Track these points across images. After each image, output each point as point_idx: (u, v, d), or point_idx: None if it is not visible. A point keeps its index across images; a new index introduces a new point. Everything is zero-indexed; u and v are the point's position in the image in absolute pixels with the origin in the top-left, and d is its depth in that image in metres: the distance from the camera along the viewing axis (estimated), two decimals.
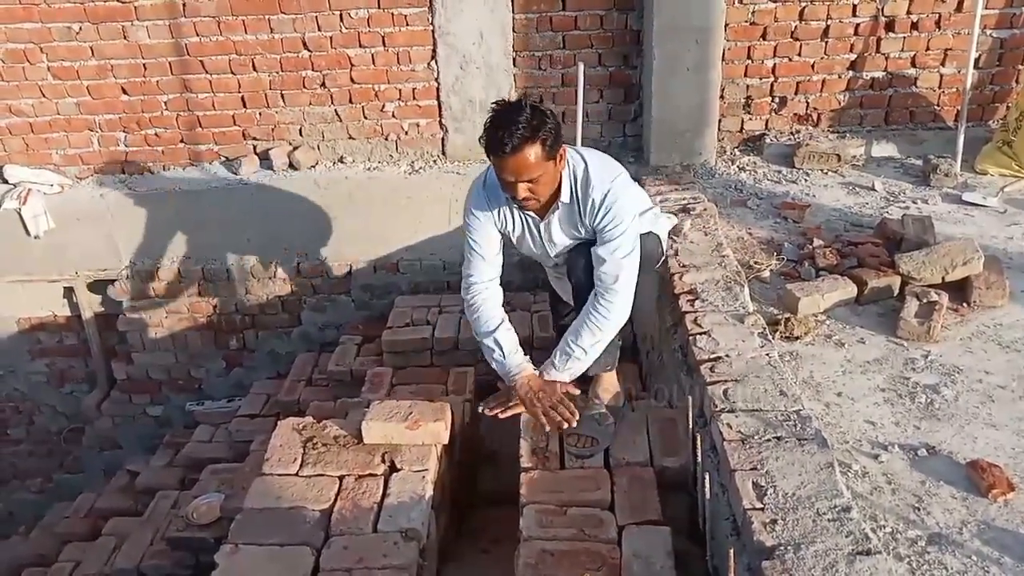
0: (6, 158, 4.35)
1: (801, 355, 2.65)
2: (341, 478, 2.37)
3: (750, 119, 4.30)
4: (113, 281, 4.49)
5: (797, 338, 2.73)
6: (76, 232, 4.34)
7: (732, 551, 1.75)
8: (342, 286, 4.47)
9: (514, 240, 2.56)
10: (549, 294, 3.05)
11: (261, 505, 2.29)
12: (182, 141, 4.34)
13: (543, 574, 2.00)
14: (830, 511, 1.87)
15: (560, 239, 2.51)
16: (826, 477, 1.97)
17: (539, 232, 2.50)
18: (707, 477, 2.19)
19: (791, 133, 4.31)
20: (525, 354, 2.49)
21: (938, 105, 4.25)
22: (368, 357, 4.15)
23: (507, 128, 2.11)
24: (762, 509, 1.89)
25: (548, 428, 2.35)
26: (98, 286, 4.61)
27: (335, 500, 2.29)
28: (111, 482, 4.59)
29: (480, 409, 2.51)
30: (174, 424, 4.80)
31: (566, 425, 2.34)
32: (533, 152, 2.14)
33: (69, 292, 4.66)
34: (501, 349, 2.44)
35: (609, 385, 2.62)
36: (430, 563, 2.29)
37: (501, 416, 2.45)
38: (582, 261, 2.45)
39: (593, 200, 2.31)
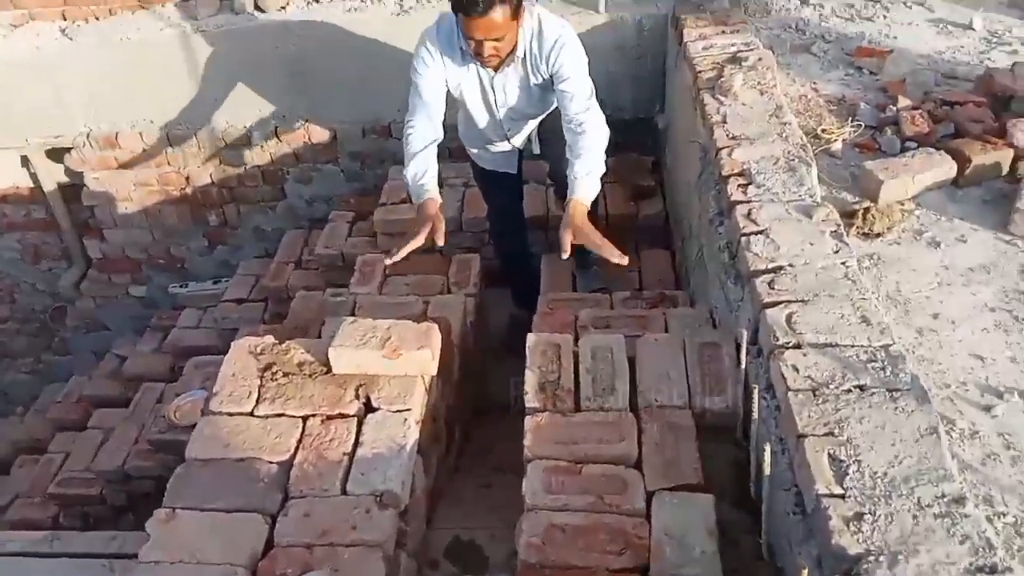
0: None
1: (883, 258, 2.09)
2: (305, 419, 1.93)
3: None
4: (70, 149, 3.94)
5: (878, 235, 2.15)
6: (18, 91, 3.73)
7: (806, 572, 1.30)
8: (328, 153, 3.89)
9: (462, 95, 2.50)
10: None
11: (206, 455, 1.87)
12: None
13: (550, 559, 1.59)
14: (936, 502, 1.39)
15: (512, 93, 2.48)
16: (929, 449, 1.48)
17: (491, 87, 2.46)
18: (763, 429, 1.72)
19: None
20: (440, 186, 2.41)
21: None
22: (361, 238, 3.67)
23: None
24: (843, 496, 1.42)
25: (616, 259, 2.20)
26: (58, 154, 4.07)
27: (296, 450, 1.86)
28: (100, 366, 4.35)
29: (386, 263, 2.40)
30: (160, 305, 4.43)
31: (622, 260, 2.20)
32: (501, 12, 2.15)
33: (27, 161, 4.13)
34: (410, 178, 2.37)
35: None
36: (415, 523, 1.89)
37: (397, 258, 2.27)
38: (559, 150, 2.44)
39: (546, 46, 2.33)
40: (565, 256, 2.17)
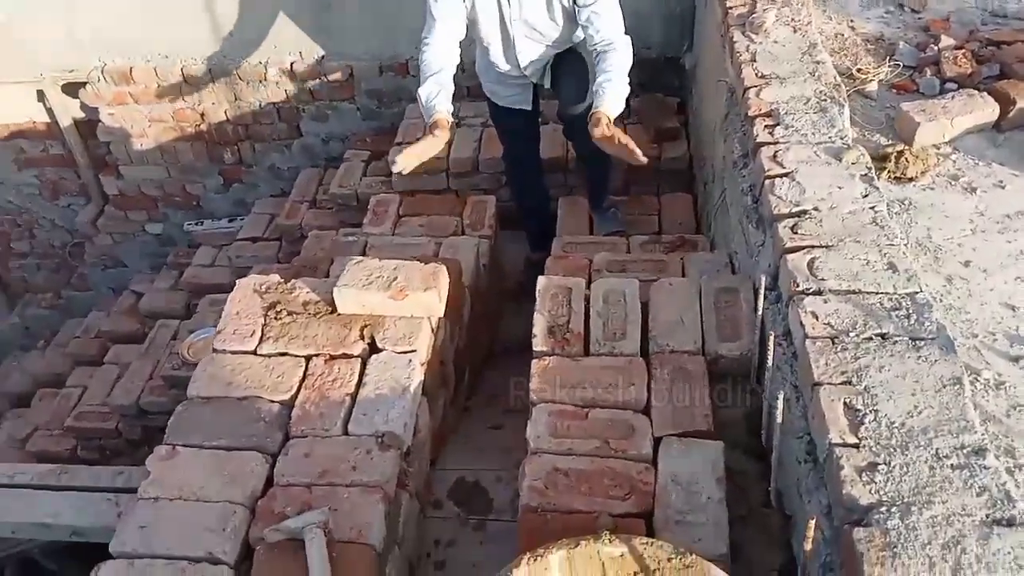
0: None
1: (915, 204, 1.98)
2: (308, 359, 1.90)
3: None
4: (85, 83, 3.89)
5: (911, 179, 2.04)
6: (32, 23, 3.68)
7: (813, 522, 1.25)
8: (345, 92, 3.80)
9: (474, 6, 2.34)
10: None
11: (208, 393, 1.85)
12: None
13: (552, 503, 1.55)
14: (955, 453, 1.33)
15: (531, 10, 2.34)
16: (951, 399, 1.41)
17: (508, 4, 2.32)
18: (777, 376, 1.65)
19: None
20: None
21: None
22: (376, 178, 3.60)
23: None
24: (857, 446, 1.36)
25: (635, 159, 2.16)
26: (73, 89, 4.02)
27: (298, 389, 1.83)
28: (118, 302, 4.39)
29: (392, 169, 2.29)
30: (176, 242, 4.44)
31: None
32: None
33: (43, 95, 4.09)
34: (424, 98, 2.25)
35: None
36: (418, 465, 1.87)
37: (402, 165, 2.22)
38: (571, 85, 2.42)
39: None
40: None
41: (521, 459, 1.71)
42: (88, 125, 4.17)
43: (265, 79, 3.76)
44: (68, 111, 4.10)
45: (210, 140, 4.03)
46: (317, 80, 3.75)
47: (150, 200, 4.34)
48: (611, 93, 2.17)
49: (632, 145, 2.12)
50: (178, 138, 4.04)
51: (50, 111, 4.13)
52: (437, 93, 2.21)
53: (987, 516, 1.24)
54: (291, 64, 3.72)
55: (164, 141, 4.06)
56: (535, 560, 1.28)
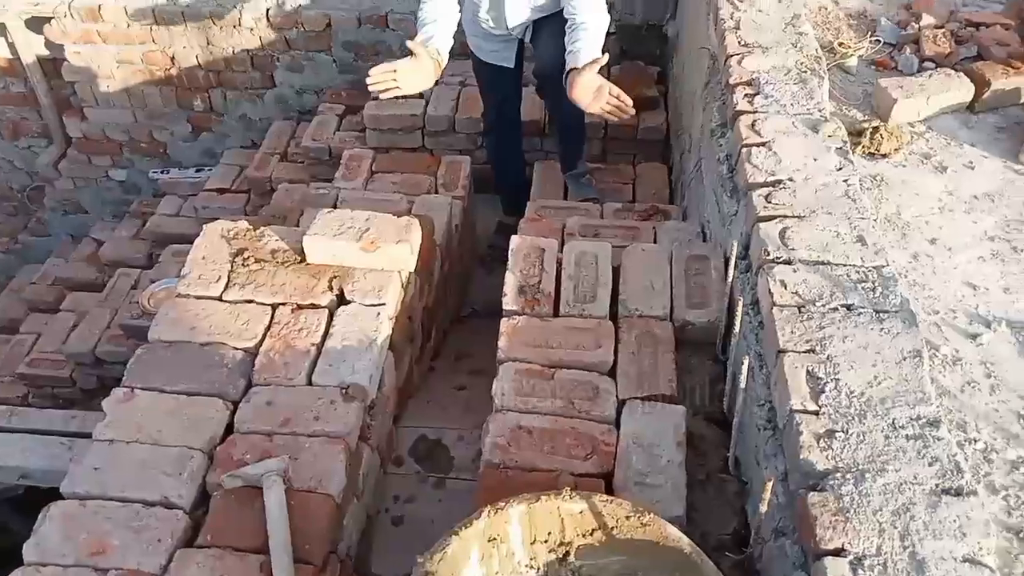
0: None
1: (887, 180, 2.00)
2: (274, 307, 1.87)
3: None
4: (50, 19, 3.75)
5: (884, 155, 2.05)
6: None
7: (771, 483, 1.27)
8: (321, 42, 3.71)
9: None
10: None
11: (170, 337, 1.82)
12: None
13: (514, 459, 1.56)
14: (910, 424, 1.36)
15: None
16: (910, 371, 1.43)
17: None
18: (743, 344, 1.67)
19: None
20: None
21: None
22: (350, 132, 3.54)
23: None
24: (816, 413, 1.38)
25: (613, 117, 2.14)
26: (38, 24, 3.87)
27: (263, 337, 1.81)
28: (77, 249, 4.29)
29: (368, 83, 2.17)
30: (140, 191, 4.33)
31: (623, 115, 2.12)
32: None
33: (5, 30, 3.94)
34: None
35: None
36: (381, 419, 1.86)
37: (377, 78, 2.14)
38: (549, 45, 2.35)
39: None
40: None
41: (484, 419, 1.71)
42: (53, 64, 4.04)
43: (239, 24, 3.65)
44: (32, 47, 3.96)
45: (180, 85, 3.92)
46: (293, 28, 3.66)
47: (115, 145, 4.22)
48: (587, 44, 2.10)
49: (624, 96, 2.07)
50: (147, 82, 3.92)
51: (12, 46, 3.98)
52: (430, 36, 2.16)
53: (936, 485, 1.27)
54: (266, 10, 3.62)
55: (132, 84, 3.94)
56: (496, 512, 1.28)
